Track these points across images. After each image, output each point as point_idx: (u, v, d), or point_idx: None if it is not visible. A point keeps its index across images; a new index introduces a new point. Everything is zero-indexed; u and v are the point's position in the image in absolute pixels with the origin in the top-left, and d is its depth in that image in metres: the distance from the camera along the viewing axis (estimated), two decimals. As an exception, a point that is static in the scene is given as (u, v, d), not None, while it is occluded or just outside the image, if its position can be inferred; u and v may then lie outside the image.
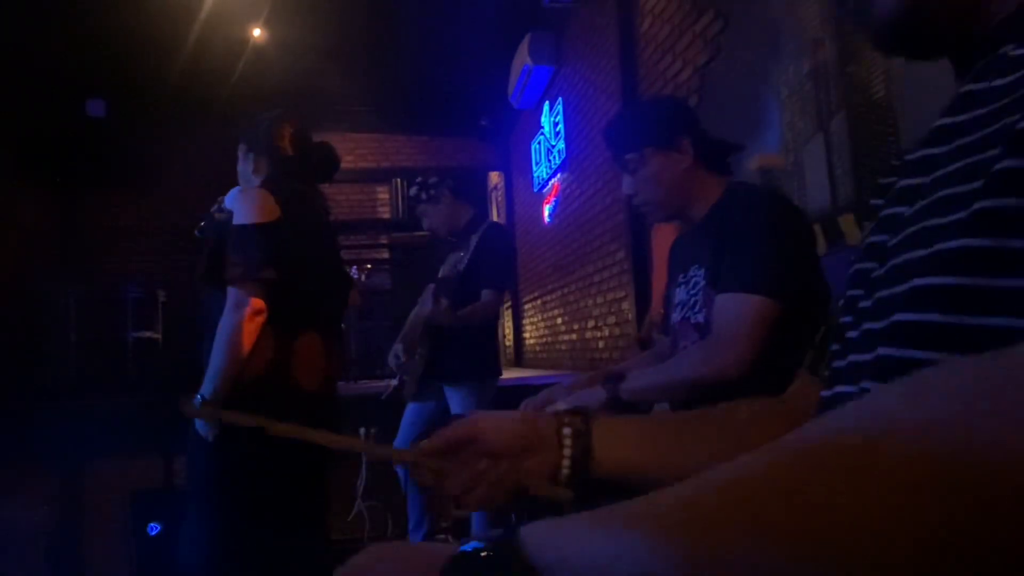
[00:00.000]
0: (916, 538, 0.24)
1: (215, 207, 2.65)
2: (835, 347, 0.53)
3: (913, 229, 0.43)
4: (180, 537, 1.98)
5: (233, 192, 2.46)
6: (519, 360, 7.73)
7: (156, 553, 3.29)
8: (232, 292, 1.86)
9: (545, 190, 6.34)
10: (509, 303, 8.02)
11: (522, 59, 5.72)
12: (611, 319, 4.74)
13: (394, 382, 3.19)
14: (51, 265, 6.42)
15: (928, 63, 0.55)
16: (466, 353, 3.01)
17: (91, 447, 3.61)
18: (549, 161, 6.14)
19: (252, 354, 1.86)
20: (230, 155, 2.24)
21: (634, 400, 1.46)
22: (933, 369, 0.29)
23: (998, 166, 0.37)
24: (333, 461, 2.25)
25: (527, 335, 7.59)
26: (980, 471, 0.24)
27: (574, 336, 5.66)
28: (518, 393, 1.68)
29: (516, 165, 7.77)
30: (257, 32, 5.37)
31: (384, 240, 7.84)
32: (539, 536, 0.34)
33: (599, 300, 4.98)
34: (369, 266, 7.01)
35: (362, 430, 3.72)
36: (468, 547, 0.36)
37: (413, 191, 3.25)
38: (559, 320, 6.11)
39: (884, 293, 0.46)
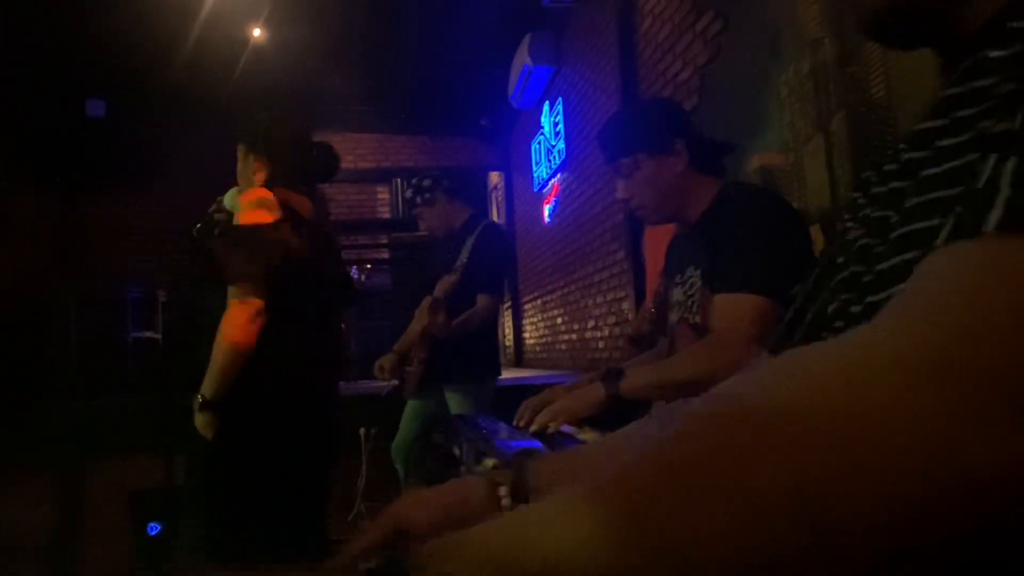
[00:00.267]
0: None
1: (213, 207, 2.66)
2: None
3: (899, 233, 0.44)
4: (180, 537, 1.98)
5: (232, 193, 2.47)
6: (519, 360, 7.73)
7: (156, 553, 3.29)
8: (233, 293, 1.86)
9: (545, 190, 6.34)
10: (509, 303, 8.02)
11: (522, 59, 5.72)
12: (611, 319, 4.74)
13: (395, 381, 3.19)
14: (51, 265, 6.42)
15: (913, 54, 0.55)
16: (464, 354, 3.01)
17: (91, 447, 3.61)
18: (549, 161, 6.14)
19: (252, 355, 1.87)
20: (230, 155, 2.24)
21: (633, 398, 1.47)
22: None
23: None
24: (334, 461, 2.25)
25: (527, 335, 7.59)
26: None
27: (574, 336, 5.66)
28: (518, 393, 1.68)
29: (516, 165, 7.77)
30: (257, 32, 5.37)
31: (384, 240, 7.84)
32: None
33: (599, 300, 4.98)
34: (369, 266, 7.01)
35: (362, 430, 3.72)
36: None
37: (408, 193, 3.25)
38: (559, 320, 6.11)
39: (873, 298, 0.46)
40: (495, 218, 8.64)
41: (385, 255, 7.72)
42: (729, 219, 1.43)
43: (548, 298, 6.48)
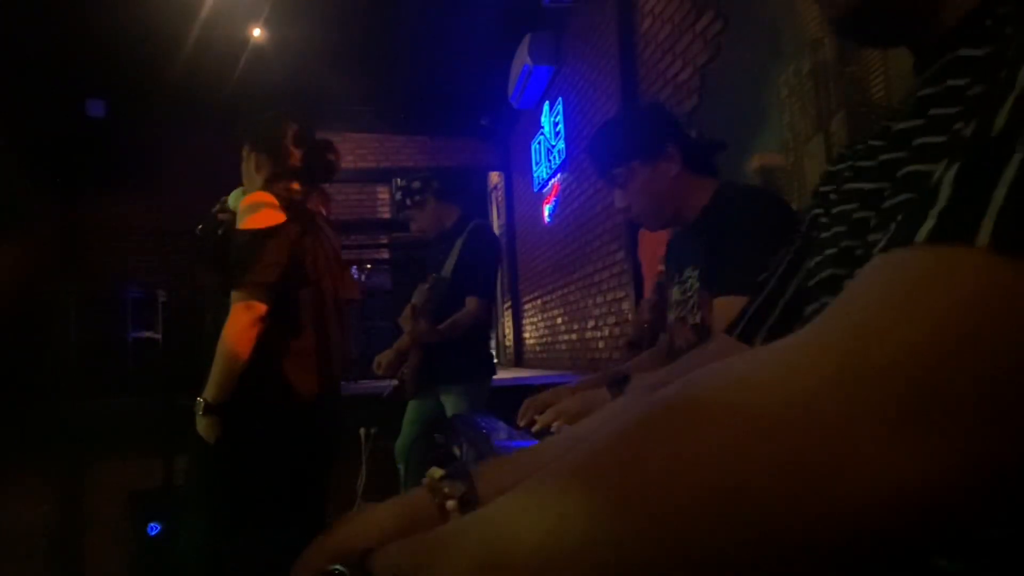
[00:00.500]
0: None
1: (217, 207, 2.66)
2: None
3: (878, 237, 0.44)
4: (180, 538, 1.98)
5: (236, 193, 2.47)
6: (519, 360, 7.73)
7: (156, 553, 3.29)
8: (236, 297, 1.86)
9: (545, 190, 6.34)
10: (509, 303, 8.02)
11: (522, 59, 5.72)
12: (611, 319, 4.74)
13: (394, 382, 3.20)
14: (51, 265, 6.42)
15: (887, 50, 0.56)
16: (458, 355, 3.02)
17: (91, 447, 3.61)
18: (549, 161, 6.14)
19: (254, 358, 1.86)
20: (230, 155, 2.25)
21: None
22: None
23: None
24: (333, 462, 2.26)
25: (527, 335, 7.59)
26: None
27: (574, 336, 5.66)
28: (518, 393, 1.68)
29: (516, 165, 7.77)
30: (257, 32, 5.37)
31: (384, 240, 7.84)
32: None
33: (599, 300, 4.98)
34: (369, 266, 7.01)
35: (362, 430, 3.72)
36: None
37: (398, 196, 3.26)
38: (559, 320, 6.11)
39: None
40: (495, 218, 8.64)
41: (385, 255, 7.72)
42: (726, 220, 1.44)
43: (548, 298, 6.48)
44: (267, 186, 2.05)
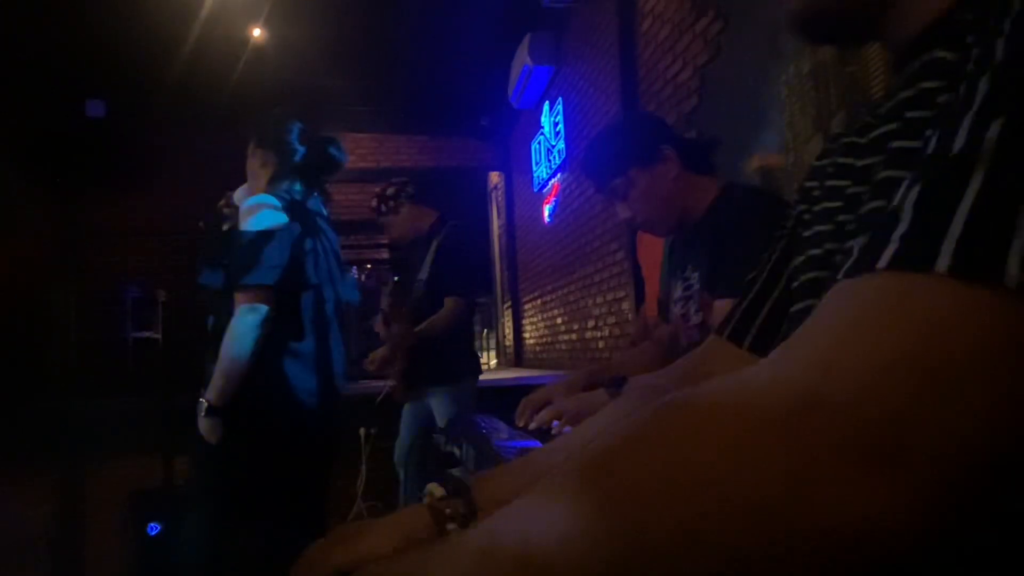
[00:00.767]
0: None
1: (222, 201, 2.66)
2: None
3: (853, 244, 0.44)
4: (181, 537, 1.98)
5: (241, 190, 2.47)
6: (519, 360, 7.73)
7: (156, 553, 3.29)
8: (240, 299, 1.86)
9: (545, 190, 6.34)
10: (509, 303, 8.02)
11: (522, 59, 5.72)
12: (611, 319, 4.74)
13: (390, 383, 3.21)
14: (51, 265, 6.42)
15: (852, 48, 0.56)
16: (441, 357, 3.04)
17: (91, 447, 3.61)
18: (549, 161, 6.14)
19: (256, 359, 1.86)
20: (230, 155, 2.25)
21: None
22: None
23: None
24: (334, 463, 2.26)
25: (527, 335, 7.58)
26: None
27: (574, 336, 5.65)
28: (518, 393, 1.67)
29: (516, 165, 7.76)
30: (257, 32, 5.37)
31: (384, 240, 7.84)
32: None
33: (599, 300, 4.98)
34: (369, 266, 7.01)
35: (362, 430, 3.72)
36: None
37: (373, 203, 3.27)
38: (559, 320, 6.11)
39: None
40: (495, 218, 8.64)
41: (385, 255, 7.72)
42: (729, 222, 1.43)
43: (548, 298, 6.48)
44: (271, 185, 2.06)
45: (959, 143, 0.29)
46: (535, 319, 7.11)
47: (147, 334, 6.08)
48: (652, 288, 2.78)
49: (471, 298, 3.11)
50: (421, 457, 3.12)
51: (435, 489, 0.65)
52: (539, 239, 6.76)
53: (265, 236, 1.90)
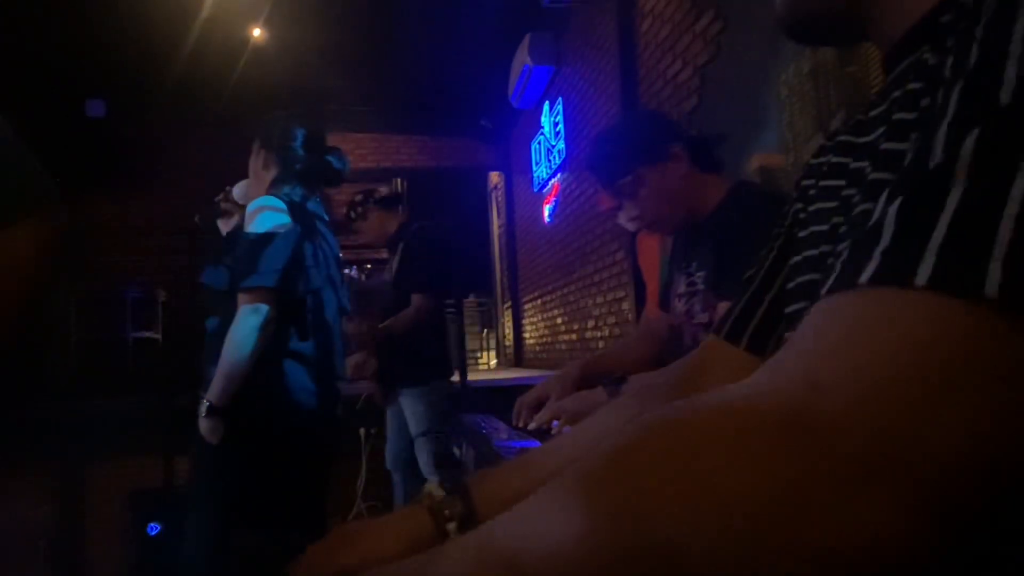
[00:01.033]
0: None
1: (221, 196, 2.66)
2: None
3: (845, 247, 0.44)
4: (181, 538, 1.98)
5: (240, 186, 2.47)
6: (519, 360, 7.73)
7: (156, 553, 3.29)
8: (244, 299, 1.86)
9: (545, 190, 6.34)
10: (509, 303, 8.02)
11: (522, 59, 5.72)
12: (611, 319, 4.74)
13: (367, 388, 3.23)
14: (51, 265, 6.41)
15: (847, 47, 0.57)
16: (410, 357, 3.08)
17: (91, 447, 3.61)
18: (549, 161, 6.14)
19: (259, 360, 1.87)
20: (230, 155, 2.25)
21: None
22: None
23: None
24: (334, 463, 2.26)
25: (527, 335, 7.59)
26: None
27: (574, 336, 5.66)
28: (518, 393, 1.67)
29: (516, 165, 7.77)
30: (257, 32, 5.37)
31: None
32: None
33: (599, 300, 4.98)
34: (369, 266, 7.01)
35: (362, 430, 3.72)
36: None
37: (344, 211, 3.33)
38: (559, 320, 6.11)
39: None
40: (495, 218, 8.64)
41: (385, 255, 7.71)
42: (736, 223, 1.42)
43: (548, 298, 6.48)
44: (273, 187, 2.06)
45: (937, 155, 0.29)
46: (535, 319, 7.11)
47: (147, 334, 6.08)
48: (652, 288, 2.78)
49: (437, 295, 3.12)
50: (412, 459, 3.14)
51: (434, 490, 0.64)
52: (539, 239, 6.76)
53: (268, 238, 1.91)
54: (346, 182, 2.29)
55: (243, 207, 2.39)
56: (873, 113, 0.49)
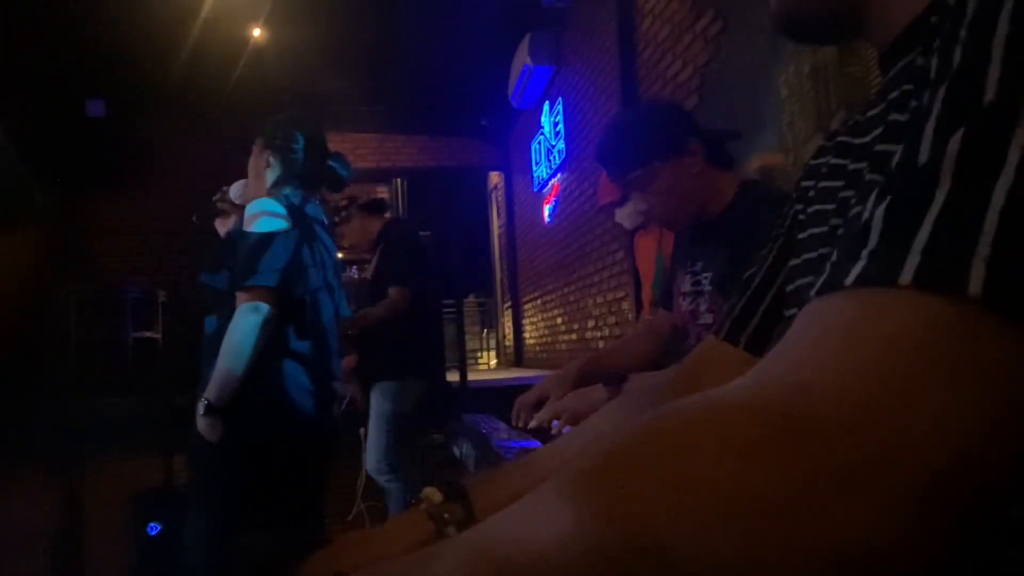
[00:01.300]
0: None
1: (218, 195, 2.66)
2: None
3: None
4: (181, 537, 1.99)
5: (238, 186, 2.47)
6: (519, 360, 7.73)
7: (156, 553, 3.29)
8: (243, 298, 1.87)
9: (545, 190, 6.34)
10: (509, 303, 8.02)
11: (522, 59, 5.72)
12: (611, 319, 4.74)
13: (349, 393, 3.24)
14: (51, 265, 6.42)
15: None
16: (384, 352, 3.12)
17: (91, 447, 3.61)
18: (549, 161, 6.14)
19: (257, 360, 1.87)
20: (230, 155, 2.26)
21: None
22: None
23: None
24: (331, 463, 2.26)
25: (527, 335, 7.59)
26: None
27: (574, 336, 5.66)
28: (518, 393, 1.67)
29: (516, 165, 7.77)
30: (257, 32, 5.37)
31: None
32: None
33: (599, 300, 4.98)
34: (368, 265, 7.01)
35: (362, 430, 3.72)
36: None
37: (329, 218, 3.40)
38: (559, 320, 6.11)
39: None
40: (495, 218, 8.64)
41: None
42: (746, 224, 1.38)
43: (548, 298, 6.48)
44: (273, 189, 2.06)
45: (923, 156, 0.29)
46: (535, 319, 7.12)
47: (147, 334, 6.08)
48: (647, 288, 2.79)
49: (413, 288, 3.14)
50: (398, 462, 3.17)
51: (433, 495, 0.64)
52: (539, 239, 6.76)
53: (268, 239, 1.91)
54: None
55: (240, 207, 2.40)
56: (870, 114, 0.49)
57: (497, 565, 0.30)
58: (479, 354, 8.78)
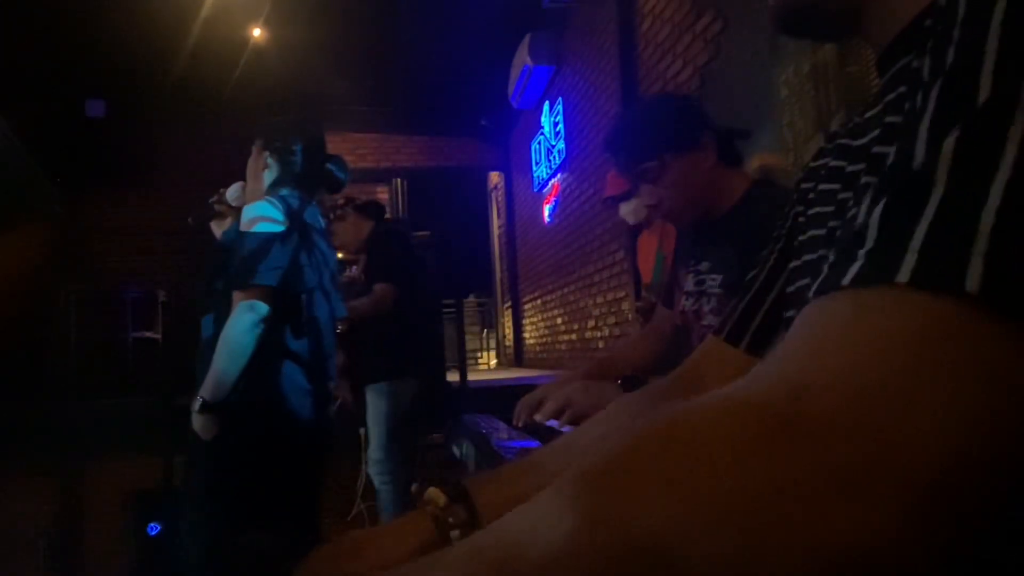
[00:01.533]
0: None
1: (215, 197, 2.66)
2: None
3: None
4: (178, 537, 1.99)
5: (235, 187, 2.47)
6: (519, 360, 7.73)
7: (156, 553, 3.30)
8: (240, 297, 1.87)
9: (545, 190, 6.34)
10: (509, 303, 8.02)
11: (522, 59, 5.72)
12: (611, 319, 4.74)
13: (339, 397, 3.24)
14: (51, 265, 6.42)
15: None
16: (376, 352, 3.13)
17: (91, 447, 3.61)
18: (549, 161, 6.15)
19: (253, 358, 1.88)
20: (230, 155, 2.26)
21: None
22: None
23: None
24: (328, 463, 2.27)
25: (527, 335, 7.59)
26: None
27: (574, 336, 5.66)
28: (518, 393, 1.67)
29: (516, 165, 7.77)
30: (257, 32, 5.37)
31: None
32: None
33: (599, 300, 4.98)
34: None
35: (362, 430, 3.72)
36: None
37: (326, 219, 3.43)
38: (559, 320, 6.11)
39: None
40: (495, 218, 8.64)
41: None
42: (758, 225, 1.37)
43: (548, 298, 6.48)
44: (270, 191, 2.07)
45: (918, 155, 0.29)
46: (535, 319, 7.12)
47: (147, 334, 6.08)
48: (647, 287, 2.79)
49: (398, 286, 3.14)
50: (393, 466, 3.18)
51: (437, 497, 0.64)
52: (539, 239, 6.76)
53: (265, 240, 1.92)
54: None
55: (237, 209, 2.41)
56: (868, 115, 0.49)
57: (498, 568, 0.30)
58: (479, 354, 8.78)
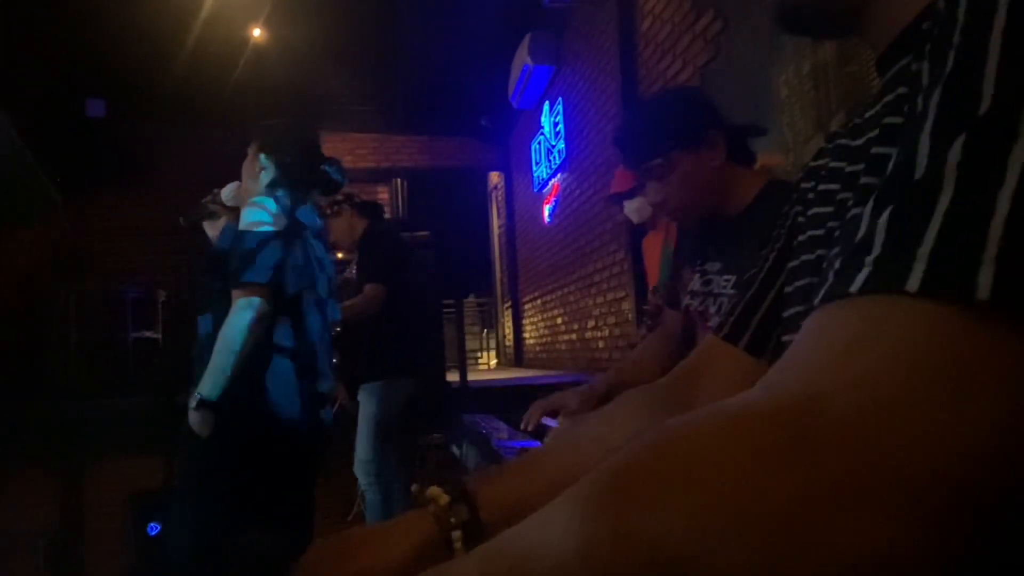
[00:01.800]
0: None
1: (208, 197, 2.67)
2: None
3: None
4: (170, 535, 1.99)
5: (229, 188, 2.48)
6: (519, 360, 7.73)
7: (156, 553, 3.29)
8: (238, 295, 1.88)
9: (545, 190, 6.34)
10: (509, 303, 8.02)
11: (522, 59, 5.72)
12: (611, 319, 4.74)
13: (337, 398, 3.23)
14: (51, 265, 6.41)
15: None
16: (368, 352, 3.14)
17: (91, 447, 3.61)
18: (549, 161, 6.15)
19: (250, 356, 1.88)
20: (230, 155, 2.26)
21: None
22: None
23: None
24: (323, 462, 2.27)
25: (527, 335, 7.59)
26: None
27: (574, 336, 5.66)
28: (518, 393, 1.67)
29: (516, 165, 7.77)
30: (257, 32, 5.37)
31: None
32: None
33: (599, 300, 4.98)
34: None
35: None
36: None
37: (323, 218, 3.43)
38: (559, 320, 6.11)
39: None
40: (495, 218, 8.64)
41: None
42: (773, 228, 1.35)
43: (548, 298, 6.48)
44: (266, 192, 2.08)
45: (922, 162, 0.29)
46: (535, 319, 7.12)
47: (147, 334, 6.07)
48: (653, 288, 2.78)
49: (389, 286, 3.14)
50: (380, 468, 3.18)
51: (439, 496, 0.63)
52: (539, 239, 6.76)
53: (261, 239, 1.93)
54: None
55: (231, 209, 2.42)
56: (867, 116, 0.49)
57: None
58: (479, 354, 8.78)
